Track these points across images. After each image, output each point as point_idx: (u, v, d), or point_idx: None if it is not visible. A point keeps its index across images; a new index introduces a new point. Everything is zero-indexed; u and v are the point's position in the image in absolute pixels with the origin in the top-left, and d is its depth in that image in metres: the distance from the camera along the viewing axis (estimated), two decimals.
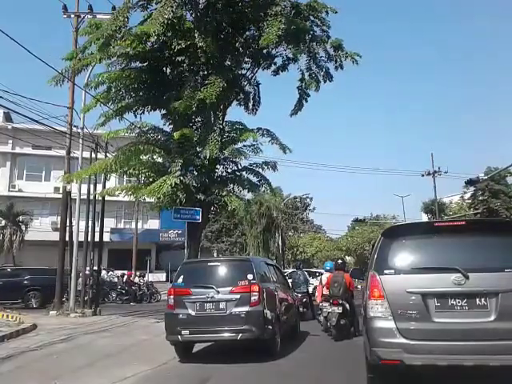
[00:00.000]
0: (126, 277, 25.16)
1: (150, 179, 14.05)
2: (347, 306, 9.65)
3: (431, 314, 4.58)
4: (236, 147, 14.23)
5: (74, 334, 10.62)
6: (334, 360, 7.71)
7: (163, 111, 14.78)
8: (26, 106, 13.69)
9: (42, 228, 32.99)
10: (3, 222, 30.78)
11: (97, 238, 16.52)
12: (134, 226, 35.42)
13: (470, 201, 45.31)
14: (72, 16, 17.35)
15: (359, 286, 15.66)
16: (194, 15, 14.08)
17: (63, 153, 17.56)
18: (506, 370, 4.46)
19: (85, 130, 16.33)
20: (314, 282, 17.07)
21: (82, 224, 16.36)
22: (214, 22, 13.66)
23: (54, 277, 16.09)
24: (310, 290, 14.53)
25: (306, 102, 16.14)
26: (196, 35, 13.18)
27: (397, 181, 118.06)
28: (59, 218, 17.75)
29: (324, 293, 10.66)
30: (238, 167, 15.06)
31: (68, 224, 16.61)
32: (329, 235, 57.83)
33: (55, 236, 18.51)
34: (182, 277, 8.13)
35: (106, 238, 28.73)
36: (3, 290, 18.26)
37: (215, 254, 43.45)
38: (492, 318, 4.44)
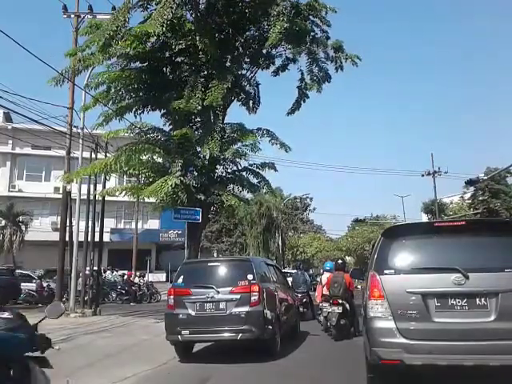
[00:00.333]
0: (126, 277, 25.19)
1: (150, 179, 14.07)
2: (347, 305, 9.65)
3: (431, 313, 4.58)
4: (236, 147, 14.25)
5: (74, 334, 10.62)
6: (334, 360, 7.70)
7: (163, 111, 14.79)
8: (26, 106, 13.72)
9: (42, 228, 32.98)
10: (3, 222, 30.77)
11: (97, 238, 16.53)
12: (133, 225, 35.41)
13: (469, 201, 45.35)
14: (72, 16, 17.35)
15: (359, 286, 15.64)
16: (194, 15, 14.08)
17: (63, 153, 17.55)
18: (506, 370, 4.45)
19: (85, 130, 16.34)
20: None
21: (82, 224, 16.38)
22: (214, 23, 13.67)
23: (9, 277, 16.03)
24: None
25: (304, 102, 16.16)
26: (196, 35, 13.18)
27: (397, 181, 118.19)
28: (59, 218, 17.75)
29: (324, 293, 10.66)
30: (237, 167, 15.09)
31: (68, 224, 16.61)
32: (329, 235, 57.94)
33: (55, 236, 18.51)
34: (182, 277, 8.14)
35: (106, 238, 28.72)
36: None
37: (215, 254, 43.44)
38: (492, 317, 4.44)
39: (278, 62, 15.78)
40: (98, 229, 16.75)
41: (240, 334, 7.50)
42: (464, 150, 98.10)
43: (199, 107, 13.06)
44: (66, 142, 16.71)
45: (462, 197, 47.19)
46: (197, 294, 7.74)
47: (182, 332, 7.65)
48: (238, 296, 7.59)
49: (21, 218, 31.29)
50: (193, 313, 7.69)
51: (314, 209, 59.87)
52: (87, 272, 16.38)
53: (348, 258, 44.65)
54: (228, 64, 14.57)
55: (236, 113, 61.48)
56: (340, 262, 11.00)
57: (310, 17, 14.97)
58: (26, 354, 2.48)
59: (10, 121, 33.21)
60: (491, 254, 4.84)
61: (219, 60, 14.07)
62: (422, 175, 36.65)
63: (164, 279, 34.45)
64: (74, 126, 16.60)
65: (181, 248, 22.48)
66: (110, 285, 23.82)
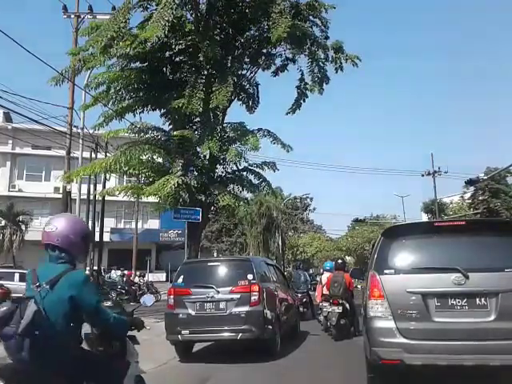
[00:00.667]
0: (125, 277, 25.19)
1: (150, 179, 14.06)
2: (347, 305, 9.64)
3: (431, 313, 4.58)
4: (235, 146, 14.22)
5: None
6: (334, 360, 7.69)
7: (163, 111, 14.78)
8: (26, 106, 13.78)
9: (42, 228, 32.81)
10: (3, 222, 30.74)
11: (97, 238, 16.55)
12: (133, 225, 35.39)
13: (469, 201, 45.30)
14: (72, 16, 17.38)
15: (359, 286, 15.65)
16: (194, 15, 14.07)
17: (63, 153, 17.57)
18: (506, 370, 4.45)
19: (85, 129, 16.35)
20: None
21: None
22: (214, 23, 13.65)
23: None
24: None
25: (304, 101, 16.15)
26: (196, 36, 13.17)
27: (397, 181, 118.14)
28: None
29: (324, 293, 10.65)
30: (237, 167, 15.08)
31: None
32: (329, 235, 57.91)
33: None
34: (182, 277, 8.14)
35: (106, 237, 28.75)
36: None
37: (215, 254, 43.40)
38: (492, 317, 4.44)
39: (278, 61, 15.81)
40: (98, 229, 16.77)
41: (240, 334, 7.50)
42: (464, 150, 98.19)
43: (200, 109, 13.05)
44: (66, 141, 16.73)
45: (462, 197, 47.16)
46: (197, 294, 7.74)
47: (182, 332, 7.65)
48: (238, 296, 7.59)
49: (21, 218, 31.25)
50: (193, 312, 7.69)
51: (314, 209, 59.91)
52: (87, 272, 16.38)
53: (348, 258, 44.65)
54: (228, 64, 14.57)
55: (236, 113, 61.57)
56: (340, 261, 11.00)
57: (310, 17, 14.97)
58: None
59: (9, 121, 33.20)
60: (491, 253, 4.83)
61: (220, 60, 14.06)
62: (422, 175, 36.66)
63: (164, 279, 34.45)
64: (74, 126, 16.63)
65: (181, 248, 22.50)
66: (109, 284, 23.80)
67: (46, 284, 2.70)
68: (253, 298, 7.56)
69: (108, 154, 16.46)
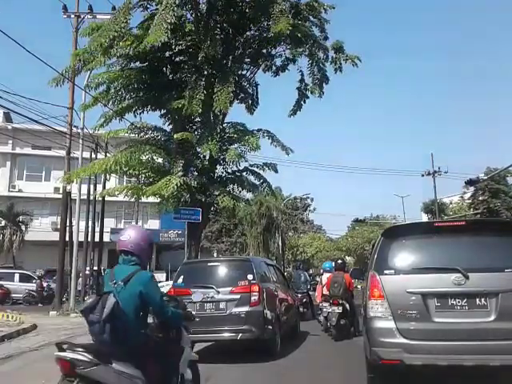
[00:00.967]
0: None
1: (150, 179, 14.06)
2: (347, 306, 9.63)
3: (431, 313, 4.57)
4: (235, 146, 14.23)
5: (74, 335, 10.61)
6: (334, 360, 7.68)
7: (163, 111, 14.78)
8: (26, 106, 13.76)
9: (41, 228, 32.93)
10: (3, 222, 30.74)
11: (97, 238, 16.55)
12: None
13: (469, 201, 45.30)
14: (72, 16, 17.37)
15: (359, 286, 15.65)
16: (194, 15, 14.07)
17: (63, 153, 17.56)
18: (506, 370, 4.45)
19: (85, 130, 16.35)
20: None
21: (82, 224, 16.38)
22: (214, 22, 13.64)
23: None
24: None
25: (305, 102, 16.16)
26: (196, 35, 13.16)
27: (397, 181, 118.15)
28: (59, 218, 17.75)
29: (324, 293, 10.65)
30: (237, 168, 15.08)
31: (68, 224, 16.61)
32: (329, 235, 57.91)
33: (55, 236, 18.51)
34: (182, 277, 8.14)
35: (106, 238, 28.67)
36: None
37: (215, 254, 43.38)
38: (492, 317, 4.43)
39: (278, 61, 15.82)
40: (97, 229, 16.76)
41: (240, 334, 7.49)
42: (464, 150, 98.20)
43: (200, 110, 13.03)
44: (66, 142, 16.72)
45: (461, 197, 47.16)
46: (197, 294, 7.73)
47: None
48: (238, 296, 7.58)
49: (21, 218, 31.27)
50: (193, 313, 7.67)
51: (314, 209, 59.84)
52: (87, 272, 16.38)
53: (348, 258, 44.66)
54: (229, 64, 14.56)
55: (236, 114, 61.58)
56: (340, 261, 10.97)
57: (310, 17, 14.98)
58: None
59: (10, 121, 33.20)
60: (491, 254, 4.83)
61: (220, 60, 14.06)
62: (422, 175, 36.64)
63: (164, 279, 34.41)
64: (74, 126, 16.62)
65: (181, 248, 22.47)
66: None
67: (120, 281, 3.30)
68: (253, 298, 7.56)
69: (108, 154, 16.44)
